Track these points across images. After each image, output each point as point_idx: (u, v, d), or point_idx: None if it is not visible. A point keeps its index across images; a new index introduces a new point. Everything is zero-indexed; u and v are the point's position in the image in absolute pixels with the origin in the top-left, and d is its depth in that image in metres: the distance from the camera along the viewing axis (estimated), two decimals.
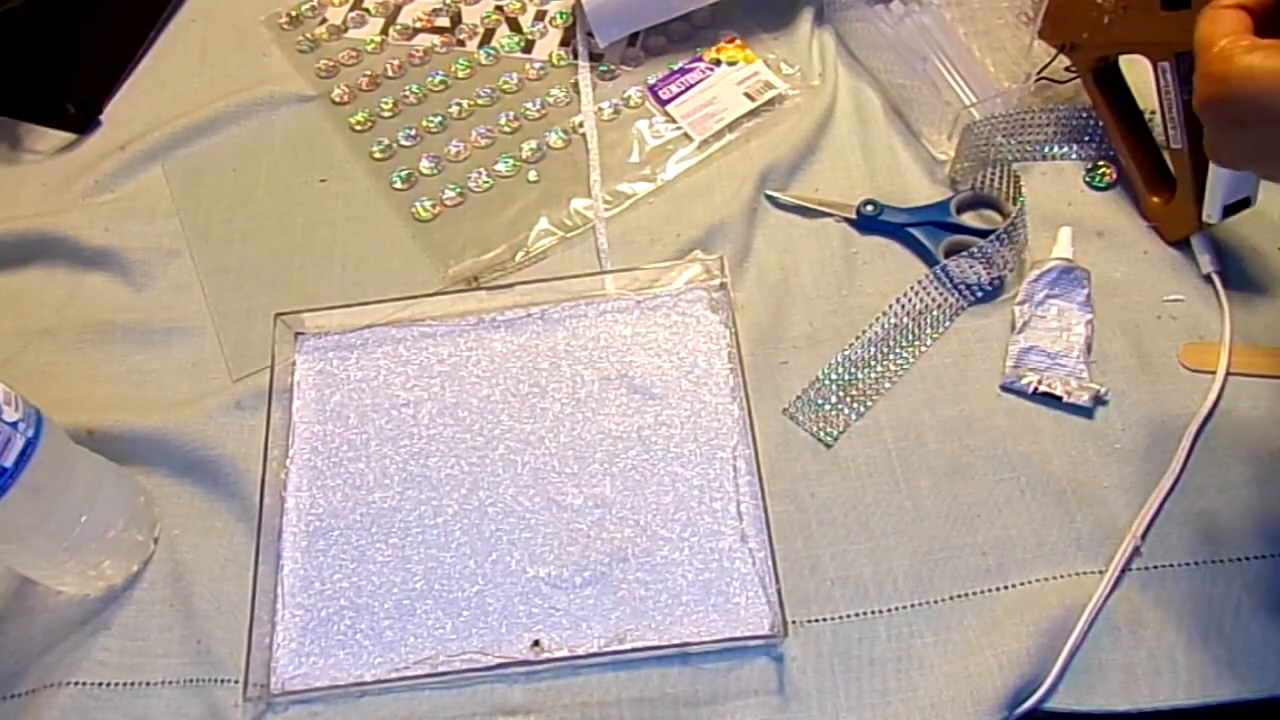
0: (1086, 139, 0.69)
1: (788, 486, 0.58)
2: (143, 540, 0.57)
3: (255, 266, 0.68)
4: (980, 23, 0.74)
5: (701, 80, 0.75)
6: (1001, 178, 0.66)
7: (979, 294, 0.64)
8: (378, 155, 0.73)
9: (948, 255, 0.64)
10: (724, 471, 0.58)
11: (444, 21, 0.81)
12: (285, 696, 0.53)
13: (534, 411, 0.61)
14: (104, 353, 0.65)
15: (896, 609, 0.54)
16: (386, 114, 0.75)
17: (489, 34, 0.80)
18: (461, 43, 0.80)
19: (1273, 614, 0.52)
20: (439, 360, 0.63)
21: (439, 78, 0.77)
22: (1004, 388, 0.60)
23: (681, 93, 0.75)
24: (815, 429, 0.60)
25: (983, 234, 0.63)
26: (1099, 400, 0.59)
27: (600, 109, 0.74)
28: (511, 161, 0.72)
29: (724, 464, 0.58)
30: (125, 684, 0.54)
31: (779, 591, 0.52)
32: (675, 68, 0.76)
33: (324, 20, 0.81)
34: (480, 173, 0.72)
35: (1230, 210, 0.60)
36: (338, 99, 0.76)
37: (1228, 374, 0.59)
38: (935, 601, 0.54)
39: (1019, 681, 0.51)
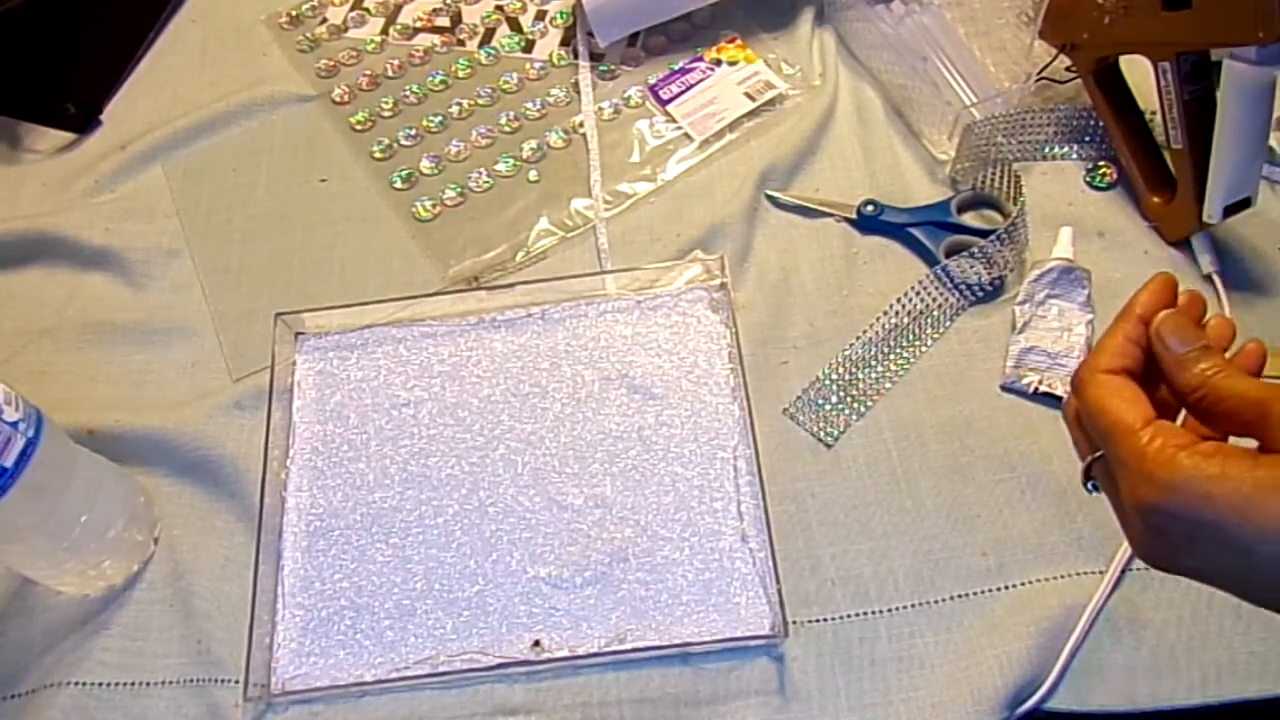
0: (1087, 139, 0.69)
1: (788, 486, 0.58)
2: (143, 540, 0.57)
3: (255, 266, 0.68)
4: (980, 23, 0.74)
5: (702, 80, 0.75)
6: (1002, 178, 0.66)
7: (979, 294, 0.64)
8: (378, 155, 0.73)
9: (948, 255, 0.64)
10: (724, 471, 0.58)
11: (444, 21, 0.81)
12: (285, 696, 0.53)
13: (534, 411, 0.61)
14: (104, 353, 0.65)
15: (897, 609, 0.54)
16: (386, 114, 0.75)
17: (489, 34, 0.80)
18: (462, 43, 0.79)
19: (1272, 614, 0.52)
20: (439, 360, 0.63)
21: (439, 78, 0.77)
22: (1004, 388, 0.60)
23: (682, 93, 0.75)
24: (815, 429, 0.60)
25: (983, 234, 0.63)
26: None
27: (600, 109, 0.74)
28: (512, 161, 0.72)
29: (724, 464, 0.58)
30: (125, 684, 0.54)
31: (779, 591, 0.52)
32: (675, 68, 0.76)
33: (324, 20, 0.81)
34: (480, 173, 0.72)
35: (1230, 210, 0.60)
36: (338, 99, 0.76)
37: None
38: (936, 601, 0.54)
39: (1019, 681, 0.51)
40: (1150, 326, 0.38)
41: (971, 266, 0.63)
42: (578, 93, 0.76)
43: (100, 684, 0.53)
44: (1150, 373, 0.39)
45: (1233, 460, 0.33)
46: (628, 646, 0.53)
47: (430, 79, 0.77)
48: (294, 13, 0.82)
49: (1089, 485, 0.40)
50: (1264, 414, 0.34)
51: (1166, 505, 0.34)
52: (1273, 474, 0.32)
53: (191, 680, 0.54)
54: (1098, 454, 0.38)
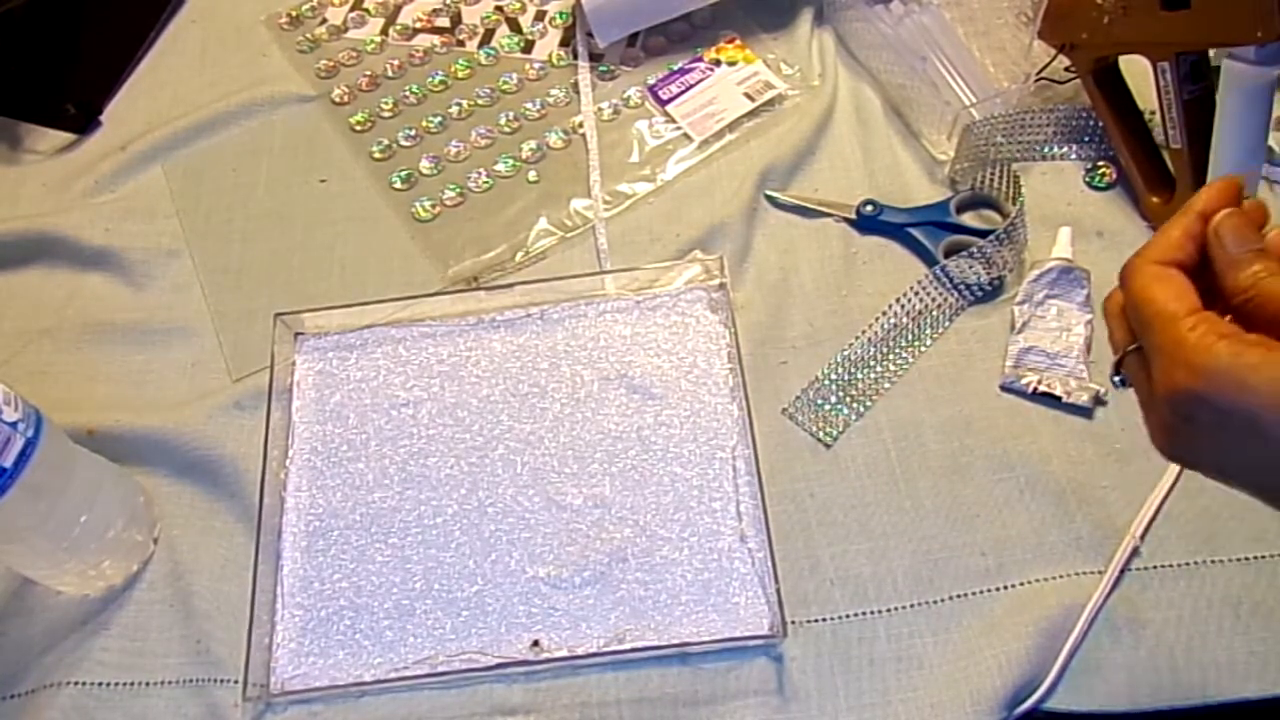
0: (1086, 139, 0.69)
1: (787, 486, 0.58)
2: (143, 540, 0.57)
3: (255, 266, 0.68)
4: (980, 23, 0.74)
5: (701, 80, 0.75)
6: (1001, 178, 0.66)
7: (979, 294, 0.64)
8: (378, 155, 0.73)
9: (947, 255, 0.64)
10: (723, 471, 0.58)
11: (444, 21, 0.81)
12: (285, 696, 0.53)
13: (534, 411, 0.61)
14: (104, 353, 0.65)
15: (896, 609, 0.54)
16: (386, 114, 0.75)
17: (489, 34, 0.80)
18: (461, 43, 0.80)
19: (1273, 614, 0.52)
20: (439, 360, 0.63)
21: (439, 78, 0.77)
22: (1004, 388, 0.60)
23: (681, 93, 0.75)
24: (815, 429, 0.60)
25: (983, 234, 0.63)
26: (1099, 400, 0.59)
27: (600, 109, 0.74)
28: (511, 161, 0.72)
29: (723, 464, 0.58)
30: (125, 684, 0.54)
31: (778, 591, 0.52)
32: (675, 68, 0.76)
33: (324, 20, 0.81)
34: (480, 173, 0.72)
35: None
36: (338, 99, 0.76)
37: None
38: (935, 601, 0.54)
39: (1019, 681, 0.51)
40: (1209, 223, 0.37)
41: (970, 266, 0.63)
42: (577, 93, 0.76)
43: (100, 684, 0.54)
44: (1203, 276, 0.37)
45: (1276, 352, 0.33)
46: (627, 646, 0.53)
47: (430, 79, 0.77)
48: (294, 13, 0.82)
49: (1117, 379, 0.40)
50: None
51: (1202, 391, 0.34)
52: None
53: (191, 680, 0.54)
54: (1134, 345, 0.38)
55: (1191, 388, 0.34)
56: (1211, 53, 0.59)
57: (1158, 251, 0.37)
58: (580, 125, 0.74)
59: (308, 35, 0.80)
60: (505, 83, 0.76)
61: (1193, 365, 0.34)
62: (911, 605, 0.54)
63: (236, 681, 0.53)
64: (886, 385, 0.61)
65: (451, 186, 0.71)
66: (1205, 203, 0.38)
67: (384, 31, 0.80)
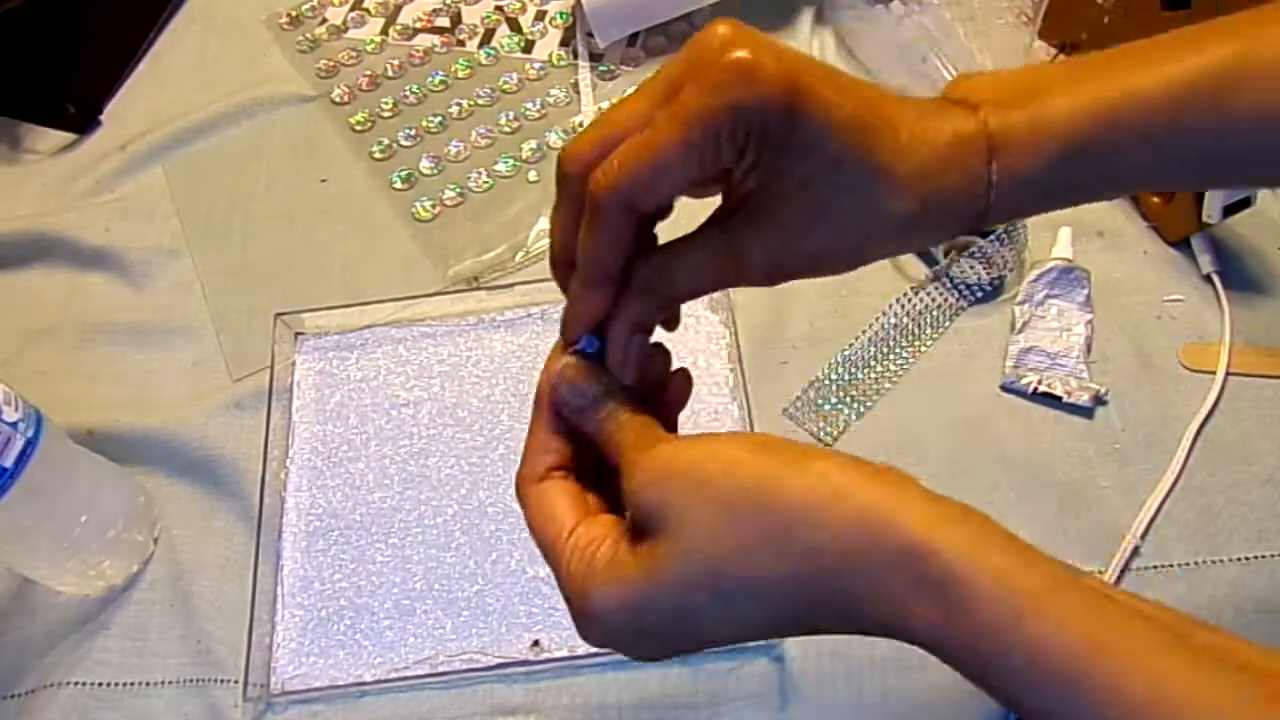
0: None
1: None
2: (143, 540, 0.57)
3: (255, 266, 0.68)
4: (980, 23, 0.74)
5: None
6: None
7: (979, 294, 0.64)
8: (378, 155, 0.73)
9: (948, 255, 0.64)
10: None
11: (444, 21, 0.81)
12: (285, 696, 0.53)
13: None
14: (104, 353, 0.65)
15: None
16: (386, 114, 0.75)
17: (489, 34, 0.80)
18: (461, 43, 0.80)
19: (1273, 614, 0.52)
20: (439, 360, 0.63)
21: (439, 78, 0.77)
22: (1004, 388, 0.60)
23: None
24: (815, 429, 0.60)
25: (983, 234, 0.63)
26: (1099, 400, 0.59)
27: (600, 109, 0.74)
28: (511, 161, 0.72)
29: None
30: (125, 684, 0.54)
31: None
32: None
33: (324, 20, 0.81)
34: (480, 173, 0.72)
35: (1230, 210, 0.60)
36: (338, 99, 0.76)
37: (1228, 374, 0.59)
38: None
39: None
40: (550, 392, 0.36)
41: (971, 266, 0.63)
42: (577, 93, 0.76)
43: (100, 684, 0.54)
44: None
45: (619, 556, 0.32)
46: None
47: (430, 79, 0.77)
48: (294, 13, 0.82)
49: None
50: (624, 482, 0.33)
51: (598, 632, 0.33)
52: (634, 562, 0.31)
53: (191, 680, 0.54)
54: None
55: (593, 632, 0.33)
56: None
57: (526, 469, 0.36)
58: (580, 125, 0.74)
59: (308, 35, 0.80)
60: (505, 83, 0.76)
61: (579, 610, 0.33)
62: None
63: (236, 681, 0.53)
64: (887, 385, 0.61)
65: (452, 186, 0.71)
66: (546, 392, 0.36)
67: (384, 31, 0.80)
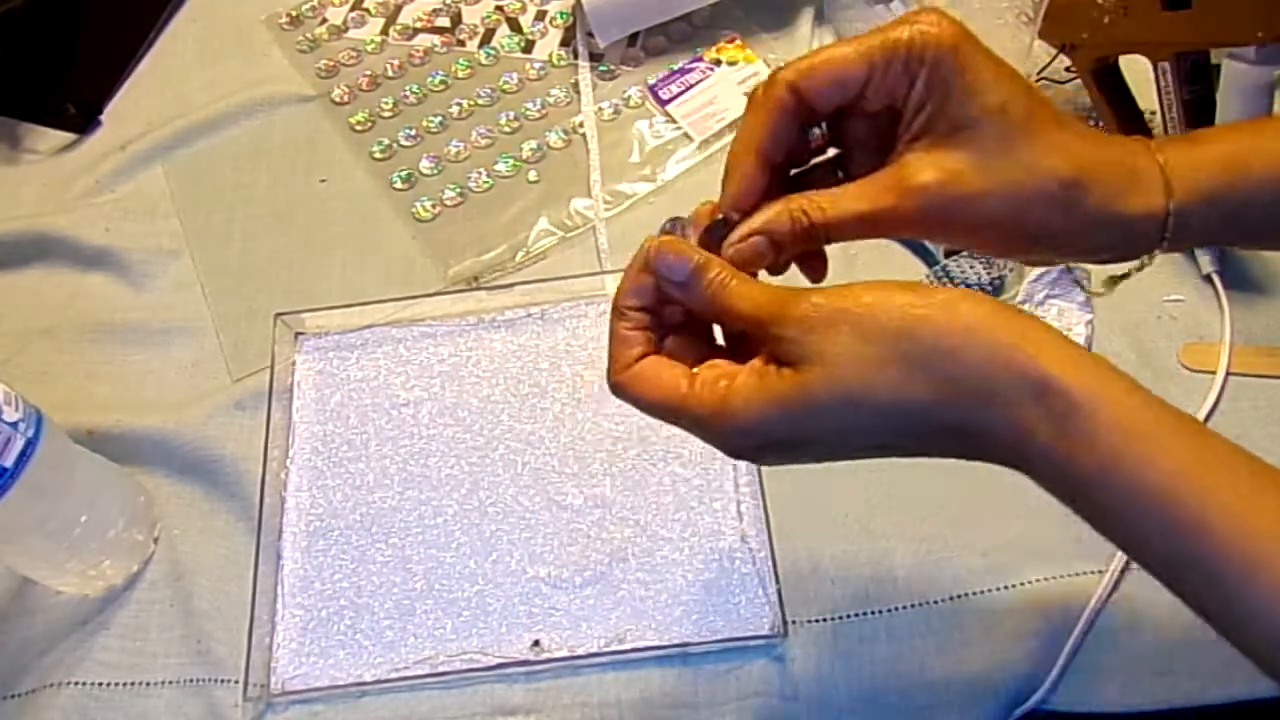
0: None
1: (788, 486, 0.58)
2: (143, 540, 0.57)
3: (255, 266, 0.68)
4: (980, 23, 0.74)
5: (701, 80, 0.75)
6: None
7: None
8: (378, 155, 0.73)
9: (948, 255, 0.64)
10: (724, 471, 0.58)
11: (444, 21, 0.81)
12: (285, 696, 0.53)
13: (534, 411, 0.61)
14: (104, 353, 0.65)
15: (896, 609, 0.54)
16: (386, 114, 0.75)
17: (489, 34, 0.80)
18: (461, 43, 0.80)
19: None
20: (439, 360, 0.63)
21: (439, 78, 0.77)
22: None
23: (682, 93, 0.75)
24: None
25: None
26: None
27: (600, 109, 0.74)
28: (511, 161, 0.72)
29: (724, 464, 0.58)
30: (125, 684, 0.54)
31: (779, 591, 0.52)
32: (675, 68, 0.76)
33: (324, 20, 0.81)
34: (480, 173, 0.72)
35: None
36: (338, 99, 0.76)
37: (1228, 374, 0.59)
38: (935, 601, 0.54)
39: (1019, 681, 0.51)
40: (649, 261, 0.37)
41: (971, 266, 0.63)
42: (577, 93, 0.76)
43: (100, 684, 0.54)
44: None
45: (766, 379, 0.35)
46: (627, 646, 0.53)
47: (430, 79, 0.77)
48: (294, 13, 0.82)
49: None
50: (763, 328, 0.35)
51: (751, 443, 0.36)
52: (782, 384, 0.34)
53: (191, 680, 0.54)
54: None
55: (745, 444, 0.36)
56: (1211, 53, 0.59)
57: (615, 366, 0.37)
58: (580, 125, 0.74)
59: (308, 35, 0.80)
60: (505, 83, 0.76)
61: (727, 432, 0.35)
62: (912, 605, 0.54)
63: (237, 681, 0.53)
64: None
65: (452, 186, 0.71)
66: (622, 295, 0.38)
67: (384, 31, 0.80)
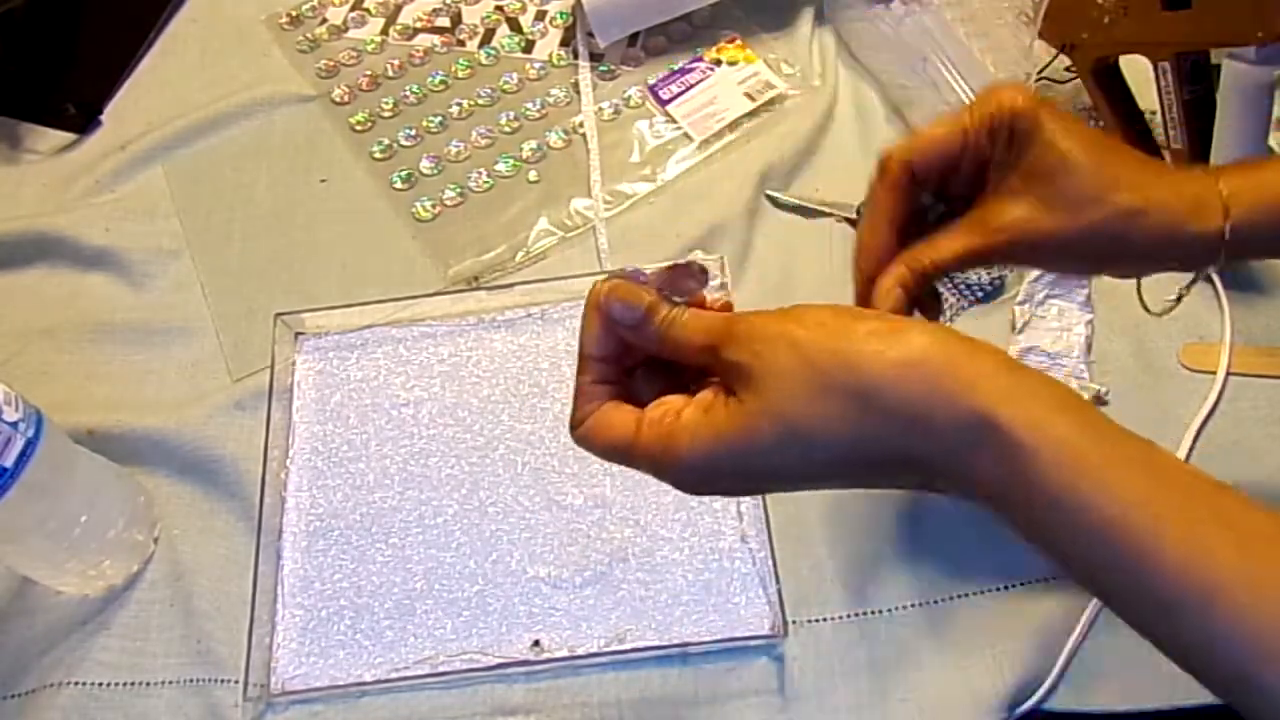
0: None
1: None
2: (143, 540, 0.57)
3: (255, 266, 0.68)
4: (980, 23, 0.74)
5: (702, 80, 0.75)
6: None
7: (979, 294, 0.64)
8: (378, 155, 0.73)
9: None
10: None
11: (444, 21, 0.81)
12: (285, 696, 0.53)
13: (534, 411, 0.61)
14: (104, 353, 0.65)
15: (896, 609, 0.54)
16: (386, 114, 0.75)
17: (489, 34, 0.80)
18: (461, 43, 0.79)
19: None
20: (439, 360, 0.63)
21: (439, 78, 0.77)
22: None
23: (682, 93, 0.75)
24: None
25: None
26: (1099, 400, 0.59)
27: (600, 109, 0.74)
28: (511, 161, 0.72)
29: None
30: (125, 684, 0.54)
31: (779, 591, 0.52)
32: (675, 68, 0.76)
33: (324, 20, 0.81)
34: (480, 173, 0.72)
35: None
36: (338, 99, 0.76)
37: (1228, 374, 0.59)
38: (935, 601, 0.54)
39: (1019, 681, 0.51)
40: (600, 308, 0.38)
41: None
42: (578, 93, 0.76)
43: (100, 684, 0.54)
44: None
45: (711, 412, 0.36)
46: (627, 646, 0.53)
47: (430, 79, 0.77)
48: (294, 13, 0.82)
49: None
50: (713, 353, 0.36)
51: (699, 479, 0.37)
52: (726, 415, 0.35)
53: (191, 680, 0.54)
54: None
55: (690, 480, 0.37)
56: (1211, 53, 0.59)
57: (577, 415, 0.39)
58: (580, 125, 0.74)
59: (308, 35, 0.80)
60: (505, 83, 0.76)
61: (672, 469, 0.37)
62: (912, 605, 0.54)
63: (237, 681, 0.53)
64: None
65: (452, 186, 0.71)
66: (588, 342, 0.39)
67: (384, 31, 0.80)
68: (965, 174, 0.43)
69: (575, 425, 0.39)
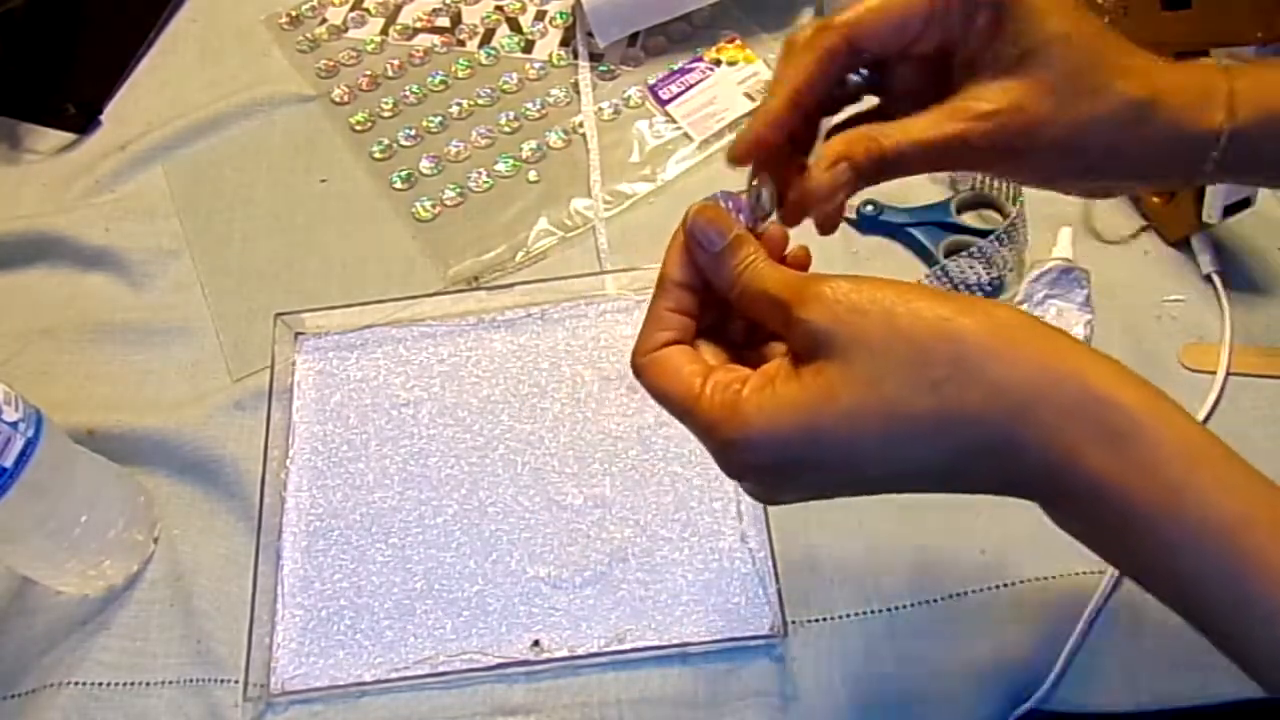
0: None
1: None
2: (143, 540, 0.57)
3: (255, 266, 0.68)
4: None
5: (701, 80, 0.75)
6: (1002, 178, 0.66)
7: (979, 293, 0.63)
8: (378, 155, 0.73)
9: (948, 255, 0.64)
10: None
11: (444, 21, 0.81)
12: (285, 696, 0.53)
13: (534, 411, 0.61)
14: (104, 353, 0.65)
15: (896, 608, 0.54)
16: (386, 114, 0.75)
17: (489, 34, 0.80)
18: (461, 43, 0.80)
19: None
20: (439, 360, 0.63)
21: (439, 78, 0.77)
22: None
23: (682, 93, 0.75)
24: None
25: (983, 234, 0.63)
26: None
27: (600, 109, 0.74)
28: (511, 161, 0.72)
29: None
30: (125, 684, 0.54)
31: (779, 591, 0.52)
32: (675, 68, 0.76)
33: (324, 20, 0.81)
34: (480, 173, 0.72)
35: (1230, 210, 0.60)
36: (338, 99, 0.76)
37: (1228, 374, 0.59)
38: (935, 601, 0.54)
39: (1019, 681, 0.51)
40: (686, 227, 0.35)
41: (971, 266, 0.62)
42: (577, 93, 0.76)
43: (100, 684, 0.54)
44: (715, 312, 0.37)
45: (779, 383, 0.32)
46: (627, 646, 0.53)
47: (430, 79, 0.77)
48: (294, 13, 0.82)
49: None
50: (785, 311, 0.33)
51: (753, 459, 0.33)
52: (799, 386, 0.32)
53: (191, 680, 0.54)
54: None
55: (747, 460, 0.33)
56: (1211, 53, 0.59)
57: (645, 342, 0.36)
58: (580, 125, 0.74)
59: (308, 35, 0.80)
60: (505, 83, 0.76)
61: (730, 441, 0.33)
62: (912, 604, 0.54)
63: (237, 681, 0.53)
64: None
65: (452, 186, 0.71)
66: (671, 265, 0.36)
67: (384, 31, 0.80)
68: (914, 59, 0.37)
69: (638, 352, 0.35)
